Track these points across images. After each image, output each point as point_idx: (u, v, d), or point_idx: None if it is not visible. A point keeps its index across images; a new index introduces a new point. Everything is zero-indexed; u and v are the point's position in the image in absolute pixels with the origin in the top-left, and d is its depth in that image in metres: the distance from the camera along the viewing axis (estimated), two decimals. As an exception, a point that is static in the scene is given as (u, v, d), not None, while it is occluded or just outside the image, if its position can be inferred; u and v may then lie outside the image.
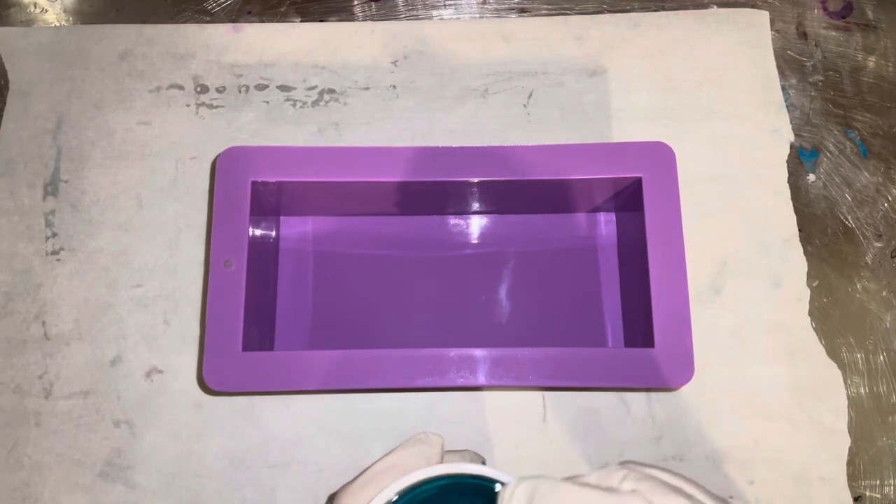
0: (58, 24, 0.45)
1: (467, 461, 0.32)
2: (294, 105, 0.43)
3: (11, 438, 0.38)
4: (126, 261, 0.41)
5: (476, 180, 0.36)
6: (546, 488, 0.22)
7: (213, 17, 0.46)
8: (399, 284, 0.40)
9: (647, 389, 0.39)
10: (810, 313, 0.40)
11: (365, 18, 0.46)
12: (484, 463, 0.33)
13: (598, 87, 0.44)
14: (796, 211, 0.42)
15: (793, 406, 0.39)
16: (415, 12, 0.46)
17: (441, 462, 0.28)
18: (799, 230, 0.41)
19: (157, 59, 0.44)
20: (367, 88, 0.44)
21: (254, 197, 0.35)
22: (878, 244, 0.42)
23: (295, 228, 0.41)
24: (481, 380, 0.33)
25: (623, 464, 0.24)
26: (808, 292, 0.40)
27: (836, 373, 0.39)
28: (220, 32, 0.45)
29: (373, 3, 0.46)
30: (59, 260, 0.41)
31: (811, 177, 0.43)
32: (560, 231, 0.41)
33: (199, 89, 0.44)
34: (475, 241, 0.41)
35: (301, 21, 0.45)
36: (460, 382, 0.33)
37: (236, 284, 0.34)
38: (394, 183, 0.36)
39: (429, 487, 0.26)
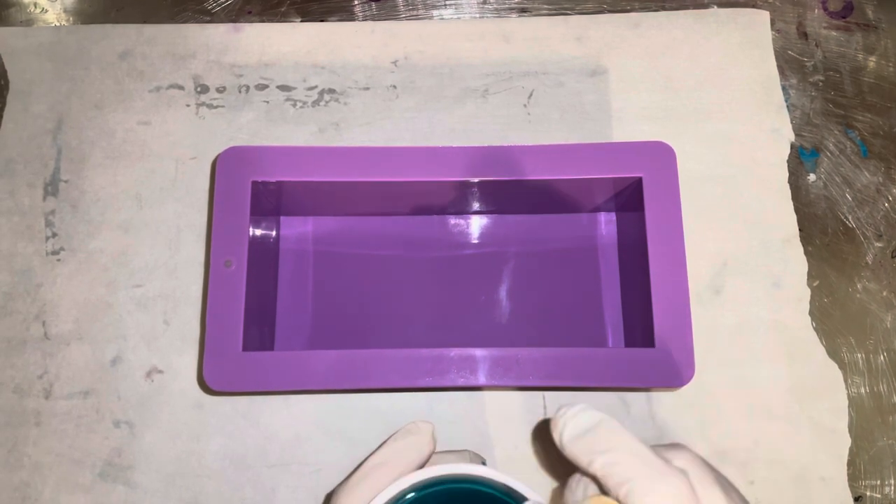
0: (58, 24, 0.45)
1: (466, 461, 0.32)
2: (294, 105, 0.43)
3: (11, 438, 0.38)
4: (126, 261, 0.41)
5: (476, 180, 0.36)
6: (609, 427, 0.24)
7: (213, 17, 0.46)
8: (399, 284, 0.40)
9: (647, 389, 0.39)
10: (810, 313, 0.40)
11: (365, 18, 0.46)
12: (484, 464, 0.33)
13: (598, 87, 0.43)
14: (796, 211, 0.42)
15: (793, 406, 0.39)
16: (415, 12, 0.46)
17: (433, 450, 0.28)
18: (799, 230, 0.41)
19: (157, 59, 0.44)
20: (368, 88, 0.44)
21: (254, 197, 0.35)
22: (878, 244, 0.42)
23: (295, 228, 0.41)
24: (481, 380, 0.33)
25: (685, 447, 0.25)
26: (808, 292, 0.40)
27: (837, 373, 0.39)
28: (220, 32, 0.45)
29: (373, 3, 0.46)
30: (59, 260, 0.41)
31: (811, 177, 0.43)
32: (560, 231, 0.41)
33: (199, 89, 0.44)
34: (475, 241, 0.41)
35: (301, 21, 0.45)
36: (460, 382, 0.33)
37: (236, 284, 0.34)
38: (394, 183, 0.36)
39: (427, 490, 0.26)
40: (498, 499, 0.26)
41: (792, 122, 0.43)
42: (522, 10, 0.46)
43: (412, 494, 0.25)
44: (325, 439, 0.38)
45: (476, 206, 0.40)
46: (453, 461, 0.32)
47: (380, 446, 0.28)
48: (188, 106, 0.43)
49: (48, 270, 0.40)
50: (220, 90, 0.44)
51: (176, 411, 0.39)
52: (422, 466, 0.27)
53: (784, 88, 0.44)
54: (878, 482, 0.38)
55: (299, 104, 0.43)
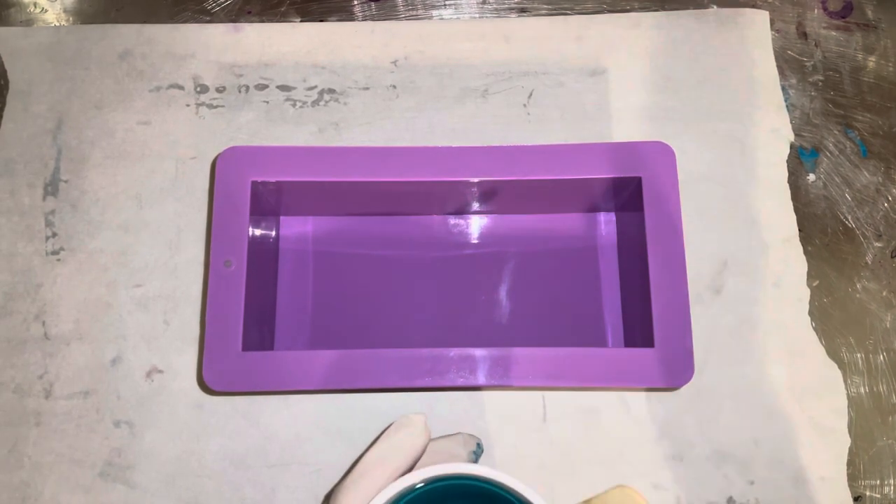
0: (58, 24, 0.45)
1: (460, 445, 0.32)
2: (294, 105, 0.43)
3: (11, 438, 0.38)
4: (126, 261, 0.41)
5: (476, 180, 0.36)
6: None
7: (213, 17, 0.46)
8: (399, 284, 0.40)
9: (647, 389, 0.39)
10: (810, 313, 0.40)
11: (365, 18, 0.46)
12: (480, 445, 0.33)
13: (598, 87, 0.44)
14: (796, 211, 0.42)
15: (793, 406, 0.39)
16: (415, 12, 0.46)
17: (427, 441, 0.28)
18: (799, 230, 0.41)
19: (157, 59, 0.44)
20: (367, 88, 0.44)
21: (254, 197, 0.35)
22: (878, 244, 0.42)
23: (295, 228, 0.41)
24: (481, 380, 0.33)
25: None
26: (808, 292, 0.40)
27: (836, 373, 0.39)
28: (219, 32, 0.45)
29: (372, 3, 0.46)
30: (59, 260, 0.41)
31: (811, 177, 0.43)
32: (560, 231, 0.41)
33: (198, 89, 0.44)
34: (475, 241, 0.41)
35: (301, 21, 0.45)
36: (460, 382, 0.33)
37: (236, 284, 0.34)
38: (394, 183, 0.36)
39: (428, 487, 0.26)
40: (499, 495, 0.26)
41: (791, 122, 0.43)
42: (522, 10, 0.46)
43: (416, 490, 0.26)
44: (325, 439, 0.38)
45: (476, 206, 0.40)
46: (448, 447, 0.32)
47: (373, 442, 0.28)
48: (188, 106, 0.43)
49: (48, 270, 0.40)
50: (220, 90, 0.44)
51: (176, 411, 0.39)
52: (418, 458, 0.27)
53: (784, 88, 0.44)
54: (878, 482, 0.38)
55: (299, 104, 0.43)
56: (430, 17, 0.46)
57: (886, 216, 0.42)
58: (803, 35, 0.46)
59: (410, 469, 0.27)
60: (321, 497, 0.37)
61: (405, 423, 0.28)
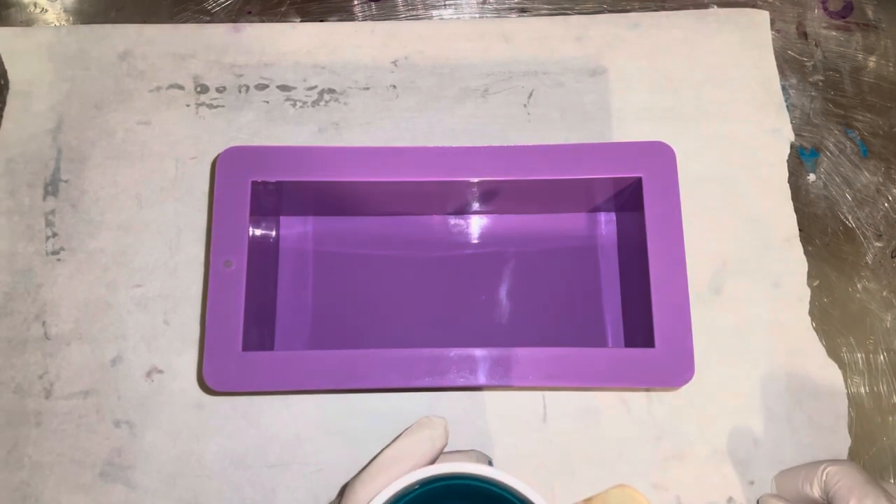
0: (58, 24, 0.45)
1: (473, 461, 0.32)
2: (294, 105, 0.43)
3: (11, 438, 0.38)
4: (126, 261, 0.41)
5: (476, 180, 0.36)
6: None
7: (213, 17, 0.46)
8: (399, 284, 0.40)
9: (648, 389, 0.39)
10: (810, 313, 0.40)
11: (365, 18, 0.46)
12: (490, 463, 0.33)
13: (598, 87, 0.44)
14: (796, 211, 0.42)
15: (793, 406, 0.39)
16: (415, 12, 0.46)
17: (445, 443, 0.28)
18: (799, 230, 0.41)
19: (157, 59, 0.44)
20: (368, 88, 0.44)
21: (254, 197, 0.35)
22: (878, 244, 0.42)
23: (295, 228, 0.41)
24: (481, 380, 0.33)
25: None
26: (808, 292, 0.40)
27: (837, 372, 0.39)
28: (220, 32, 0.45)
29: (373, 3, 0.46)
30: (59, 260, 0.41)
31: (811, 176, 0.43)
32: (560, 231, 0.41)
33: (199, 89, 0.44)
34: (475, 241, 0.41)
35: (301, 21, 0.45)
36: (460, 382, 0.33)
37: (236, 284, 0.34)
38: (394, 183, 0.36)
39: (435, 485, 0.26)
40: (499, 494, 0.26)
41: (792, 122, 0.43)
42: (522, 10, 0.46)
43: (418, 489, 0.26)
44: (325, 439, 0.38)
45: (476, 206, 0.40)
46: (460, 461, 0.32)
47: (394, 440, 0.28)
48: (188, 106, 0.43)
49: (48, 270, 0.40)
50: (220, 90, 0.44)
51: (176, 411, 0.39)
52: (435, 460, 0.28)
53: (784, 88, 0.44)
54: (878, 482, 0.38)
55: (299, 104, 0.43)
56: (430, 17, 0.46)
57: (887, 216, 0.42)
58: (803, 35, 0.46)
59: None
60: (321, 497, 0.37)
61: (426, 423, 0.28)
